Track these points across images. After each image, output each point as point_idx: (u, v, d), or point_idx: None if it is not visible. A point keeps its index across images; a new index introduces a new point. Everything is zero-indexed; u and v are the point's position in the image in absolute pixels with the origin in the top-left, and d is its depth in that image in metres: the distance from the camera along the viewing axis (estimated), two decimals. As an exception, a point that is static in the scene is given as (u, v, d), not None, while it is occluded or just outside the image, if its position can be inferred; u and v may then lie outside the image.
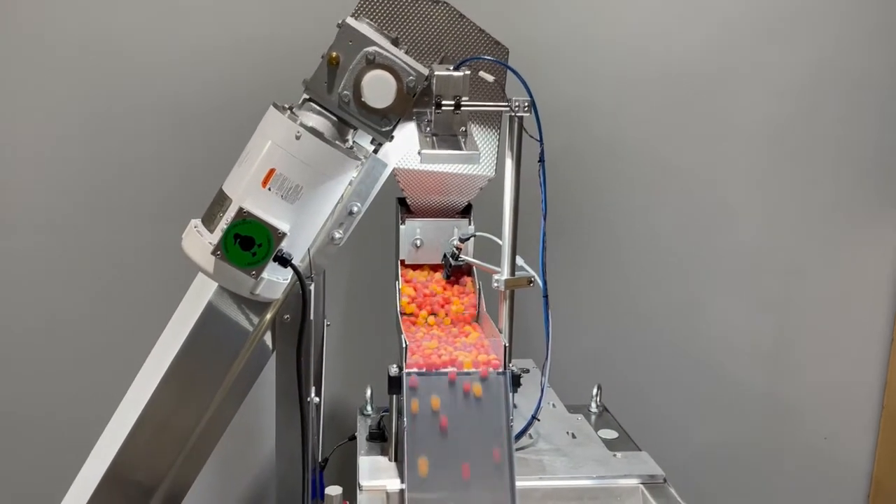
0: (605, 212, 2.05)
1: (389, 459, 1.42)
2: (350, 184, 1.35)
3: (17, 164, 1.89)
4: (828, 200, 2.10)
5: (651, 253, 2.08)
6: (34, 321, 1.96)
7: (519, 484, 1.29)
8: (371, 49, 1.23)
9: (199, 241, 1.26)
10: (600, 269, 2.08)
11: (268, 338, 1.42)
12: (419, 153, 1.29)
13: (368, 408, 1.63)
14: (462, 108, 1.27)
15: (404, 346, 1.35)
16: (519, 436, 1.47)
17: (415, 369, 1.34)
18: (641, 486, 1.39)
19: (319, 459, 1.57)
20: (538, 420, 1.48)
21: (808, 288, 2.14)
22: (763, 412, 2.19)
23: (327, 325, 1.63)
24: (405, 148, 1.42)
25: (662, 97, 2.00)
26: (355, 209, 1.38)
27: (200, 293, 1.38)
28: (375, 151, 1.37)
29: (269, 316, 1.39)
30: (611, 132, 2.01)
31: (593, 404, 1.69)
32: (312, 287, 1.39)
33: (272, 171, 1.23)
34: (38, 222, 1.91)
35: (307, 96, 1.27)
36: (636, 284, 2.09)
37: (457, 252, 1.54)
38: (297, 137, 1.22)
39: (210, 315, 1.36)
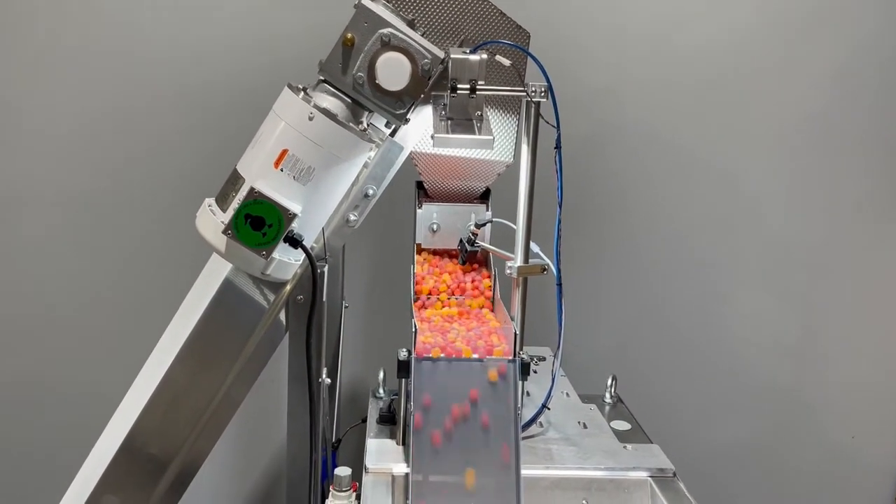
0: (625, 202, 2.02)
1: (397, 443, 1.42)
2: (366, 166, 1.35)
3: (47, 148, 1.91)
4: (855, 196, 2.05)
5: (671, 245, 2.05)
6: (53, 298, 1.98)
7: (525, 472, 1.28)
8: (386, 31, 1.23)
9: (212, 221, 1.27)
10: (620, 260, 2.05)
11: (283, 316, 1.43)
12: (432, 137, 1.28)
13: (381, 390, 1.63)
14: (477, 93, 1.26)
15: (414, 330, 1.35)
16: (529, 424, 1.46)
17: (424, 354, 1.33)
18: (650, 479, 1.36)
19: (333, 440, 1.58)
20: (548, 409, 1.47)
21: (833, 284, 2.09)
22: (782, 410, 2.15)
23: (345, 307, 1.64)
24: (423, 131, 1.41)
25: (686, 88, 1.96)
26: (371, 192, 1.38)
27: (217, 269, 1.39)
28: (392, 134, 1.36)
29: (285, 292, 1.40)
30: (632, 122, 1.97)
31: (608, 395, 1.66)
32: (327, 269, 1.40)
33: (285, 151, 1.23)
34: (60, 202, 1.93)
35: (322, 77, 1.27)
36: (655, 276, 2.06)
37: (473, 237, 1.53)
38: (311, 118, 1.23)
39: (227, 291, 1.38)
